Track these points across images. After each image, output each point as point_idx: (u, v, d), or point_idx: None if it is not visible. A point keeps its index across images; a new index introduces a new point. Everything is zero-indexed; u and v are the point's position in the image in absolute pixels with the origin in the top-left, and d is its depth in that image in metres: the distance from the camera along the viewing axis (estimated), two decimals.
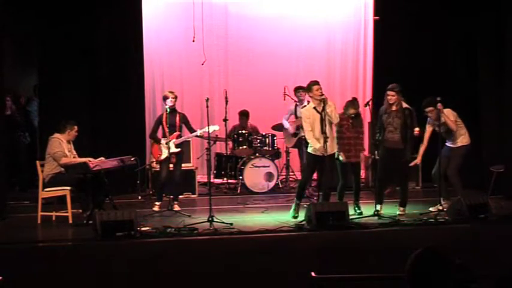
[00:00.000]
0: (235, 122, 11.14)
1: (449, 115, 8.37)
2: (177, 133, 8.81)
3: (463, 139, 8.49)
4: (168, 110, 8.83)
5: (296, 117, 10.18)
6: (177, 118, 8.83)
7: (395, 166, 8.20)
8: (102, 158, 8.35)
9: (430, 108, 8.27)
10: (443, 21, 10.70)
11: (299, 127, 9.94)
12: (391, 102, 8.05)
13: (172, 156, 8.75)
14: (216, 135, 10.52)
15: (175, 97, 8.88)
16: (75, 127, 8.39)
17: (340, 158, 8.27)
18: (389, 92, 8.10)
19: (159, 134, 8.99)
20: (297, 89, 10.18)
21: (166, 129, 8.83)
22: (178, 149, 8.83)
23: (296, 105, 10.18)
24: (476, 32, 10.34)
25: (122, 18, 10.41)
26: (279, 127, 10.72)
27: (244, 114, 11.05)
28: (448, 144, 8.44)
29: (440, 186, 8.41)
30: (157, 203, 8.80)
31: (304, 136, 9.37)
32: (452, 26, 10.64)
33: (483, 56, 10.29)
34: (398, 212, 8.16)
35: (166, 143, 8.65)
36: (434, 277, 2.60)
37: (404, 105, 8.19)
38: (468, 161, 10.04)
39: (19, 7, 10.46)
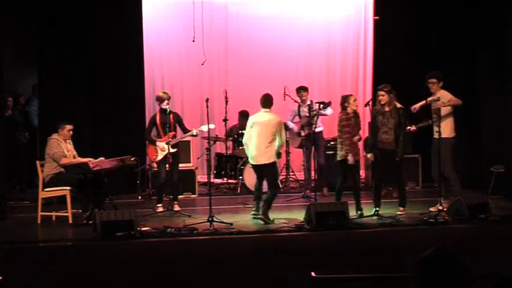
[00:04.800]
0: (235, 122, 11.14)
1: (448, 96, 8.38)
2: (172, 133, 8.78)
3: (450, 129, 8.43)
4: (161, 110, 8.82)
5: (300, 117, 10.18)
6: (171, 117, 8.78)
7: (390, 167, 8.20)
8: (102, 158, 8.35)
9: (434, 80, 8.35)
10: (443, 21, 10.70)
11: (303, 126, 9.94)
12: (382, 102, 8.10)
13: (169, 157, 8.72)
14: (216, 135, 10.52)
15: (169, 98, 8.90)
16: (66, 126, 8.37)
17: (350, 159, 8.14)
18: (379, 92, 8.19)
19: (153, 134, 8.97)
20: (299, 89, 10.16)
21: (161, 130, 8.81)
22: (175, 149, 8.81)
23: (299, 106, 10.17)
24: (476, 32, 10.35)
25: (122, 18, 10.41)
26: None
27: (244, 115, 11.03)
28: (436, 136, 8.35)
29: (440, 186, 8.40)
30: (159, 205, 8.79)
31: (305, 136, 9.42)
32: (452, 26, 10.64)
33: (483, 56, 10.30)
34: (398, 212, 8.16)
35: (167, 143, 8.63)
36: (445, 278, 2.60)
37: (398, 105, 8.26)
38: (468, 161, 10.08)
39: (19, 7, 10.46)
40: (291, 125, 10.36)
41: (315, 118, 9.55)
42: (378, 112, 8.17)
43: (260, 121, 8.13)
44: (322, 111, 9.65)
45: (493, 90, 10.05)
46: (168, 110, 8.75)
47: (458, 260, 2.66)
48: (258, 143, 8.05)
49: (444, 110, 8.38)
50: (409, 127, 8.65)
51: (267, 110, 8.22)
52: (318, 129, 9.92)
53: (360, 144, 8.86)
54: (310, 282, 3.79)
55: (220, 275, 6.20)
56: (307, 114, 9.84)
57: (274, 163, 8.11)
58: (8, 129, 10.10)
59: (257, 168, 8.24)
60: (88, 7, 10.08)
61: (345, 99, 8.29)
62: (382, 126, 8.11)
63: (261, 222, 7.86)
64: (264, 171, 8.15)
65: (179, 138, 8.95)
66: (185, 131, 8.93)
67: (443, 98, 8.38)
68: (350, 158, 8.10)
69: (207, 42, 10.90)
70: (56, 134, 8.38)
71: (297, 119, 10.31)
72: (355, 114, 8.31)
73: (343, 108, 8.28)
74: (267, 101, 8.26)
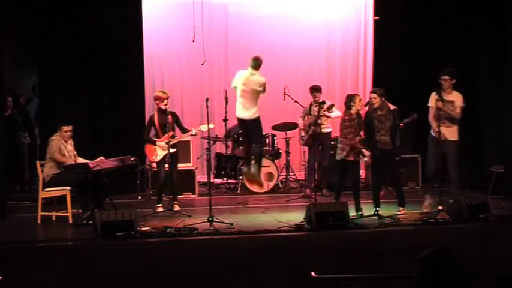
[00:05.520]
0: (235, 122, 11.12)
1: (459, 100, 8.32)
2: (171, 133, 8.75)
3: (457, 132, 8.42)
4: (159, 110, 8.79)
5: (310, 116, 10.17)
6: (169, 117, 8.75)
7: (387, 167, 8.21)
8: (102, 158, 8.35)
9: (446, 77, 8.28)
10: (443, 21, 10.70)
11: (310, 124, 9.93)
12: (375, 105, 8.11)
13: (168, 157, 8.66)
14: (216, 135, 10.51)
15: (168, 97, 8.89)
16: (64, 128, 8.36)
17: (365, 157, 8.21)
18: (371, 95, 8.27)
19: (151, 134, 8.95)
20: (312, 90, 10.11)
21: (160, 130, 8.78)
22: (174, 149, 8.80)
23: (311, 105, 10.15)
24: (476, 32, 10.34)
25: (122, 18, 10.41)
26: (280, 127, 10.71)
27: None
28: (434, 134, 8.33)
29: (440, 185, 8.40)
30: (159, 205, 8.78)
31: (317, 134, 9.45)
32: (452, 26, 10.64)
33: (483, 56, 10.30)
34: (398, 212, 8.17)
35: (166, 143, 8.62)
36: (444, 277, 2.60)
37: (392, 106, 8.28)
38: (468, 161, 10.08)
39: (19, 7, 10.46)
40: (301, 122, 10.36)
41: (322, 118, 9.59)
42: (371, 115, 8.17)
43: (253, 81, 8.78)
44: (326, 113, 9.66)
45: (494, 90, 10.05)
46: (168, 110, 8.74)
47: (456, 260, 2.66)
48: (248, 101, 8.71)
49: (455, 113, 8.33)
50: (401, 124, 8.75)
51: (256, 72, 8.87)
52: (326, 130, 9.93)
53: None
54: (310, 282, 3.78)
55: (220, 275, 6.21)
56: (316, 114, 9.84)
57: (258, 118, 8.82)
58: (8, 129, 10.10)
59: (244, 123, 8.88)
60: (88, 7, 10.08)
61: (350, 99, 8.30)
62: (379, 130, 8.14)
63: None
64: (250, 127, 8.88)
65: (178, 138, 8.93)
66: (184, 130, 8.91)
67: (456, 100, 8.34)
68: (366, 156, 8.16)
69: (207, 42, 10.91)
70: (57, 134, 8.38)
71: (307, 117, 10.29)
72: (358, 114, 8.31)
73: (348, 107, 8.27)
74: (257, 64, 8.91)
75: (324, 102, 9.41)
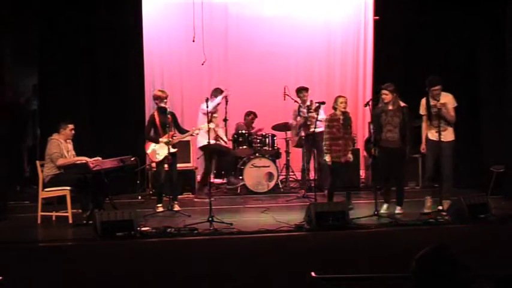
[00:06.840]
0: (235, 122, 11.15)
1: (450, 102, 8.27)
2: (172, 132, 8.75)
3: (453, 132, 8.40)
4: (159, 109, 8.79)
5: (300, 117, 10.17)
6: (169, 117, 8.75)
7: (393, 165, 8.21)
8: (99, 158, 8.33)
9: (438, 87, 8.17)
10: (443, 21, 10.70)
11: (301, 126, 9.94)
12: (386, 101, 8.14)
13: (169, 157, 8.67)
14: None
15: (167, 96, 8.89)
16: (69, 126, 8.36)
17: (327, 159, 8.36)
18: (382, 91, 8.24)
19: (151, 134, 8.95)
20: (300, 90, 10.16)
21: (160, 130, 8.78)
22: (176, 149, 8.80)
23: (299, 106, 10.16)
24: (477, 32, 10.34)
25: (122, 18, 10.42)
26: (280, 127, 10.71)
27: (253, 113, 11.09)
28: (434, 138, 8.25)
29: (441, 186, 8.38)
30: (159, 205, 8.78)
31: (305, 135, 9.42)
32: (452, 26, 10.64)
33: (484, 56, 10.30)
34: (396, 211, 8.17)
35: (166, 143, 8.61)
36: (442, 276, 2.60)
37: (402, 104, 8.26)
38: (468, 161, 10.07)
39: (19, 7, 10.45)
40: (293, 124, 10.37)
41: (312, 119, 9.57)
42: (381, 110, 8.19)
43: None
44: (314, 114, 9.61)
45: (494, 89, 10.05)
46: (167, 109, 8.74)
47: (455, 259, 2.66)
48: None
49: (450, 116, 8.29)
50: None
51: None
52: (318, 130, 9.93)
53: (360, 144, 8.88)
54: (310, 282, 3.78)
55: (220, 275, 6.20)
56: (306, 115, 9.86)
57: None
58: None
59: None
60: (88, 7, 10.08)
61: (334, 100, 8.49)
62: (386, 124, 8.14)
63: None
64: None
65: (179, 138, 8.94)
66: (181, 131, 8.91)
67: (448, 102, 8.31)
68: (327, 159, 8.32)
69: (207, 42, 10.90)
70: (56, 134, 8.36)
71: (298, 118, 10.30)
72: (345, 115, 8.38)
73: (333, 108, 8.48)
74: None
75: (322, 103, 9.40)
